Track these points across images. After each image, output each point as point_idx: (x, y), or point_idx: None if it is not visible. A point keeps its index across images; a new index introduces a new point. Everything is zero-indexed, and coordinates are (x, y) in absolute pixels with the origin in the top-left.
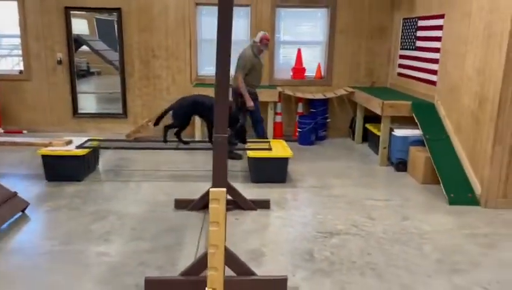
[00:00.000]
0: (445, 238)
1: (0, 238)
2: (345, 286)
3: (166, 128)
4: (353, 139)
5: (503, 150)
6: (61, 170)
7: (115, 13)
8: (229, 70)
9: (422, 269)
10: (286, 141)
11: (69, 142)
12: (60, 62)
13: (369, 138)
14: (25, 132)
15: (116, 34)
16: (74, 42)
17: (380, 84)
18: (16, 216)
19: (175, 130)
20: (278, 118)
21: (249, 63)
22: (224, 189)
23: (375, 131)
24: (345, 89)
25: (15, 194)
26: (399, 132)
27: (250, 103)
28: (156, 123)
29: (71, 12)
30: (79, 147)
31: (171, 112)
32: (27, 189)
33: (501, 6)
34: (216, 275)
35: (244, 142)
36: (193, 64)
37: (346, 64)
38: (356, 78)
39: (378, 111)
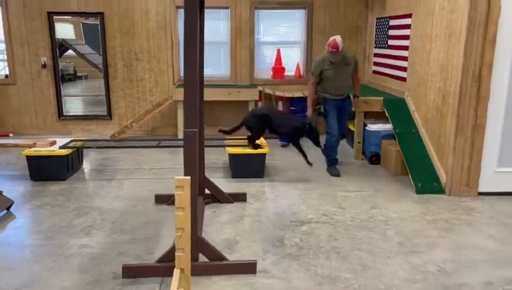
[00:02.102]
0: (408, 224)
1: None
2: (310, 267)
3: (250, 141)
4: None
5: (464, 141)
6: (45, 170)
7: (97, 17)
8: (195, 68)
9: (383, 251)
10: (266, 138)
11: (53, 143)
12: (44, 66)
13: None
14: (11, 135)
15: (100, 37)
16: (60, 46)
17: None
18: (1, 214)
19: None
20: None
21: (315, 69)
22: (189, 177)
23: (350, 126)
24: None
25: (0, 193)
26: (372, 127)
27: (308, 111)
28: (229, 132)
29: (56, 17)
30: (62, 147)
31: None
32: (12, 188)
33: (459, 6)
34: (183, 256)
35: (318, 145)
36: (175, 66)
37: None
38: None
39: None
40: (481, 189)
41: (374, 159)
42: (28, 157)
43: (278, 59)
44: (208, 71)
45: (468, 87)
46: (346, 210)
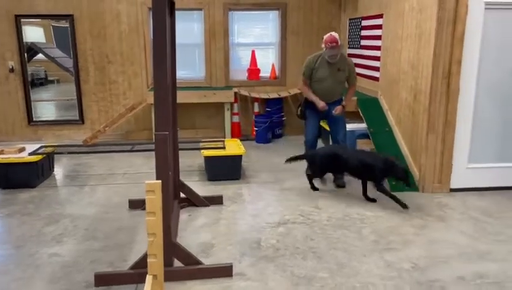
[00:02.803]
0: (383, 222)
1: None
2: (287, 268)
3: (309, 177)
4: None
5: (436, 139)
6: (13, 177)
7: (67, 20)
8: (165, 70)
9: (359, 250)
10: (244, 140)
11: (22, 150)
12: (12, 70)
13: (321, 134)
14: None
15: (70, 40)
16: (29, 50)
17: None
18: None
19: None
20: (235, 118)
21: (305, 67)
22: (159, 181)
23: (326, 126)
24: (298, 88)
25: None
26: (347, 127)
27: (318, 104)
28: (288, 161)
29: (24, 20)
30: (32, 153)
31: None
32: None
33: (428, 5)
34: (156, 261)
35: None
36: (149, 69)
37: (299, 64)
38: None
39: None
40: (453, 185)
41: None
42: None
43: (253, 60)
44: (183, 73)
45: (438, 84)
46: (323, 210)
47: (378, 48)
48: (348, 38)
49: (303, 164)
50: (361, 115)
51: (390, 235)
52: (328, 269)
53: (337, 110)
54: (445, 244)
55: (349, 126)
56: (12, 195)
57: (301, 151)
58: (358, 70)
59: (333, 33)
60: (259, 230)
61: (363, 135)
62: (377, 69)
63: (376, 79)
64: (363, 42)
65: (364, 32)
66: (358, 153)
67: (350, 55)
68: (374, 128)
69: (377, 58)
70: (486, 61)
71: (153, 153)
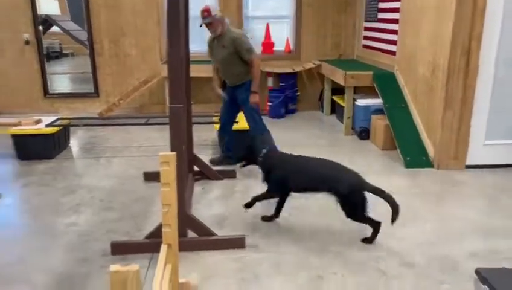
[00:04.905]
0: (396, 197)
1: None
2: (300, 242)
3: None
4: (322, 111)
5: (453, 115)
6: (31, 149)
7: None
8: (179, 42)
9: None
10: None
11: (39, 121)
12: (27, 43)
13: (336, 109)
14: None
15: (84, 13)
16: (44, 23)
17: (347, 57)
18: None
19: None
20: None
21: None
22: (174, 153)
23: (340, 102)
24: (313, 62)
25: None
26: (361, 102)
27: (216, 91)
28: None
29: None
30: (48, 125)
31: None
32: None
33: None
34: (170, 231)
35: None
36: (162, 42)
37: (313, 37)
38: (324, 52)
39: (341, 82)
40: (469, 162)
41: (363, 134)
42: (14, 136)
43: (267, 34)
44: (195, 47)
45: (457, 60)
46: None
47: (396, 21)
48: (365, 11)
49: (320, 139)
50: (376, 90)
51: (402, 211)
52: (340, 242)
53: (251, 100)
54: (458, 220)
55: (365, 102)
56: (30, 166)
57: (315, 126)
58: (376, 44)
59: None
60: (272, 204)
61: (378, 111)
62: (394, 43)
63: (393, 53)
64: (380, 15)
65: (381, 5)
66: (321, 164)
67: (367, 28)
68: (389, 103)
69: (395, 32)
70: (507, 36)
71: (167, 126)
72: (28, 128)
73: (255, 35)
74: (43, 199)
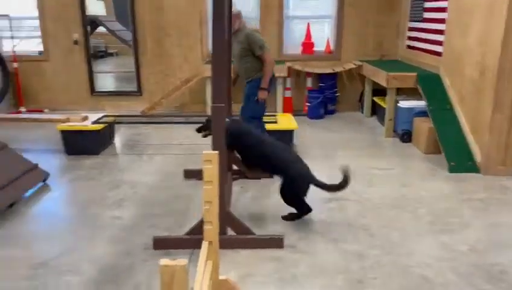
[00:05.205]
0: (441, 203)
1: (24, 205)
2: (338, 243)
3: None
4: (362, 112)
5: (502, 118)
6: (79, 144)
7: None
8: (223, 43)
9: (413, 230)
10: (295, 115)
11: (86, 118)
12: (76, 43)
13: (376, 111)
14: (46, 110)
15: (129, 13)
16: (91, 23)
17: (390, 57)
18: (37, 186)
19: None
20: (288, 93)
21: None
22: (217, 152)
23: (382, 103)
24: (354, 62)
25: (36, 165)
26: (404, 104)
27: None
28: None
29: None
30: (95, 122)
31: None
32: (48, 162)
33: None
34: (211, 228)
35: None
36: (204, 42)
37: (355, 37)
38: (365, 52)
39: (384, 83)
40: None
41: (405, 136)
42: (62, 132)
43: (308, 34)
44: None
45: (507, 61)
46: (376, 188)
47: (442, 21)
48: (410, 10)
49: (359, 141)
50: (420, 91)
51: (448, 217)
52: (380, 246)
53: (259, 96)
54: (507, 228)
55: (408, 103)
56: (77, 161)
57: (354, 128)
58: (420, 44)
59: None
60: (310, 204)
61: (422, 113)
62: (439, 43)
63: (438, 54)
64: (426, 15)
65: (428, 5)
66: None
67: (411, 28)
68: (433, 105)
69: (441, 32)
70: None
71: None
72: (76, 124)
73: (294, 35)
74: (90, 192)
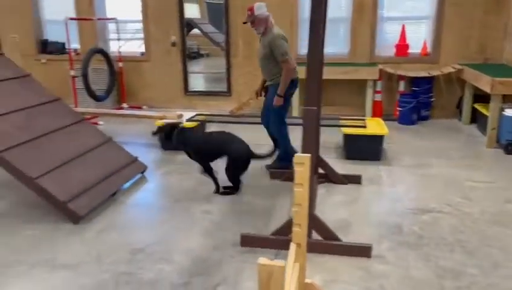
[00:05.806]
0: None
1: (123, 194)
2: (431, 258)
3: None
4: (460, 119)
5: None
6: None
7: None
8: (320, 46)
9: None
10: (385, 120)
11: (180, 116)
12: (173, 44)
13: (477, 119)
14: (144, 107)
15: (224, 16)
16: (186, 25)
17: (495, 61)
18: (136, 177)
19: None
20: (378, 97)
21: None
22: (309, 155)
23: (484, 111)
24: (453, 66)
25: (136, 158)
26: (510, 112)
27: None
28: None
29: None
30: (189, 120)
31: None
32: (146, 155)
33: None
34: (300, 231)
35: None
36: (293, 45)
37: (455, 39)
38: (466, 55)
39: (487, 89)
40: None
41: (510, 147)
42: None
43: (402, 36)
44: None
45: None
46: (475, 202)
47: None
48: None
49: (456, 150)
50: None
51: None
52: (479, 266)
53: (274, 102)
54: None
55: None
56: (171, 156)
57: (451, 136)
58: None
59: (258, 2)
60: (400, 215)
61: None
62: None
63: None
64: None
65: None
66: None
67: None
68: None
69: None
70: None
71: (294, 127)
72: (171, 121)
73: (387, 36)
74: (182, 186)
